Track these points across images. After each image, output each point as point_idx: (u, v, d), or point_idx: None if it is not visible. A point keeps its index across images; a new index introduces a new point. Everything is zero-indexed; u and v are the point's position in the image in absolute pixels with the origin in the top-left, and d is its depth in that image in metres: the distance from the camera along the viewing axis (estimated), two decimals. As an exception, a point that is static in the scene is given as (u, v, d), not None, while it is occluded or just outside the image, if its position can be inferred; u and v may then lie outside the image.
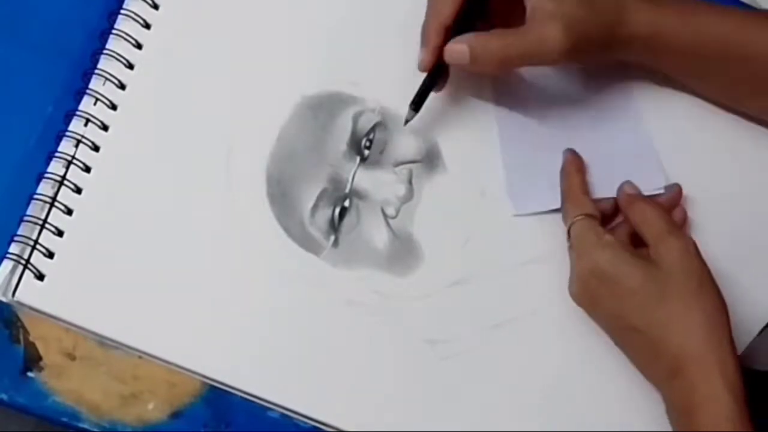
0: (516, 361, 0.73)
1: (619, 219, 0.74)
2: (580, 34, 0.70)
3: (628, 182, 0.74)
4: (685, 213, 0.75)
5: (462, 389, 0.72)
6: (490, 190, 0.76)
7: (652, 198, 0.74)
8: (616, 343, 0.71)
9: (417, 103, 0.74)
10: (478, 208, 0.76)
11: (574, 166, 0.74)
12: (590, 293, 0.70)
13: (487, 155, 0.76)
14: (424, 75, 0.74)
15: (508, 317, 0.73)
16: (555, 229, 0.74)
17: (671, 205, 0.75)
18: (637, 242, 0.72)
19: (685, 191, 0.75)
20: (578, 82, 0.78)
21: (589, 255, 0.70)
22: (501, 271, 0.74)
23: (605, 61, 0.75)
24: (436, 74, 0.74)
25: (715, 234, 0.75)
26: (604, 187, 0.75)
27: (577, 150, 0.75)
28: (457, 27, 0.72)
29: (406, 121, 0.74)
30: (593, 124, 0.78)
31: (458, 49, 0.71)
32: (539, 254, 0.75)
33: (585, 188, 0.74)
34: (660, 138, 0.78)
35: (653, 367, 0.69)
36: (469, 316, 0.73)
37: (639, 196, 0.73)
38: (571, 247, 0.72)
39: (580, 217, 0.71)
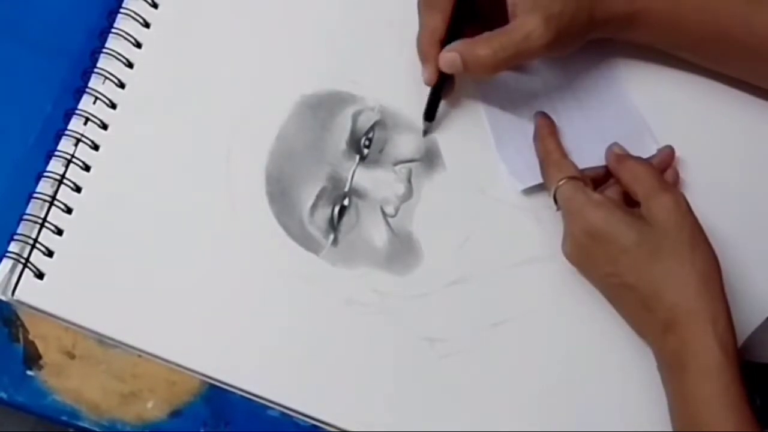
0: (514, 360, 0.73)
1: (608, 183, 0.74)
2: (560, 24, 0.71)
3: (616, 143, 0.74)
4: (677, 174, 0.75)
5: (461, 388, 0.72)
6: (490, 188, 0.76)
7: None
8: (610, 301, 0.72)
9: (429, 114, 0.75)
10: (477, 207, 0.76)
11: (547, 130, 0.75)
12: (584, 252, 0.71)
13: (487, 154, 0.76)
14: (422, 79, 0.75)
15: (506, 316, 0.73)
16: (554, 228, 0.74)
17: (663, 166, 0.75)
18: (627, 204, 0.72)
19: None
20: (561, 58, 0.78)
21: (581, 215, 0.70)
22: (500, 270, 0.74)
23: (586, 40, 0.75)
24: (442, 84, 0.75)
25: (716, 225, 0.75)
26: (595, 159, 0.75)
27: (566, 124, 0.76)
28: (448, 36, 0.73)
29: (425, 133, 0.76)
30: (579, 97, 0.78)
31: (450, 57, 0.72)
32: (538, 253, 0.75)
33: (562, 150, 0.74)
34: (647, 108, 0.78)
35: (647, 323, 0.69)
36: (468, 314, 0.73)
37: (628, 155, 0.74)
38: (559, 210, 0.72)
39: (563, 180, 0.72)
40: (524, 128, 0.76)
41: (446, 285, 0.74)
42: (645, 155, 0.75)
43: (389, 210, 0.75)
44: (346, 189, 0.74)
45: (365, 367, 0.71)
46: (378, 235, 0.74)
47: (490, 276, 0.74)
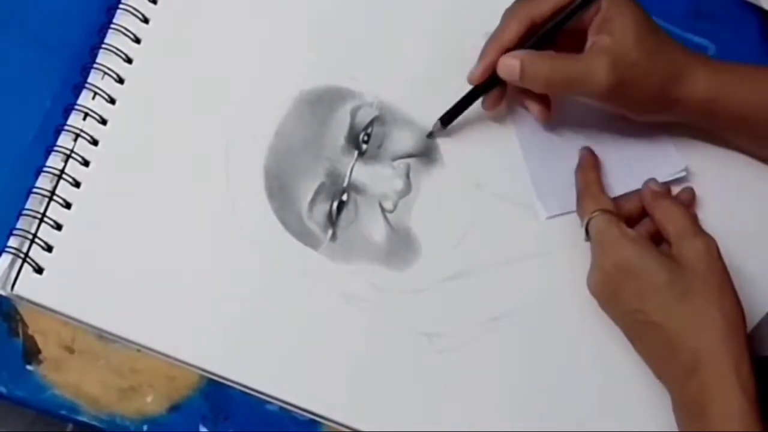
0: (513, 355, 0.73)
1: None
2: (627, 75, 0.71)
3: (653, 179, 0.75)
4: (695, 215, 0.76)
5: (459, 382, 0.72)
6: (488, 184, 0.76)
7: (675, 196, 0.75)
8: (631, 338, 0.71)
9: (446, 119, 0.75)
10: (475, 203, 0.76)
11: (590, 163, 0.75)
12: (612, 287, 0.70)
13: (485, 149, 0.77)
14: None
15: (504, 311, 0.74)
16: (552, 224, 0.75)
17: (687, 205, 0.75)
18: (656, 242, 0.72)
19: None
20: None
21: (614, 248, 0.70)
22: (498, 265, 0.74)
23: (652, 118, 0.75)
24: (478, 93, 0.74)
25: (717, 220, 0.76)
26: (623, 181, 0.75)
27: (594, 146, 0.76)
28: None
29: (431, 134, 0.75)
30: (608, 120, 0.77)
31: (510, 63, 0.72)
32: (536, 249, 0.75)
33: (601, 185, 0.74)
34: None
35: (669, 363, 0.69)
36: (467, 309, 0.73)
37: (664, 194, 0.74)
38: (590, 241, 0.72)
39: (598, 212, 0.72)
40: (556, 157, 0.76)
41: (444, 280, 0.74)
42: (673, 171, 0.76)
43: (387, 205, 0.75)
44: (345, 184, 0.75)
45: (364, 361, 0.71)
46: (376, 230, 0.74)
47: (489, 271, 0.74)
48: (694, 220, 0.73)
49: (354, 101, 0.76)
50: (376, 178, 0.75)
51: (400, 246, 0.74)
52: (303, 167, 0.74)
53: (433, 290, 0.74)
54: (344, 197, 0.74)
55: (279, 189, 0.73)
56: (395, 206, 0.75)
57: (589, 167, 0.75)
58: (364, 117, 0.76)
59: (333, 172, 0.74)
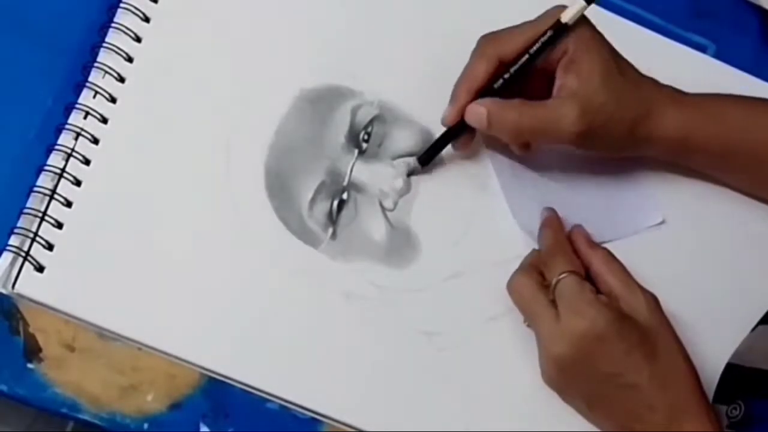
0: (512, 354, 0.73)
1: None
2: (596, 120, 0.71)
3: (578, 226, 0.74)
4: None
5: (459, 381, 0.72)
6: (487, 182, 0.76)
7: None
8: (601, 405, 0.70)
9: (425, 159, 0.75)
10: (475, 201, 0.76)
11: (557, 224, 0.74)
12: (585, 352, 0.68)
13: (484, 148, 0.77)
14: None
15: (504, 310, 0.73)
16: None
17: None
18: None
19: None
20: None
21: (590, 312, 0.68)
22: (498, 264, 0.74)
23: (624, 155, 0.75)
24: (455, 134, 0.74)
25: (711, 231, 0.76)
26: (599, 232, 0.75)
27: (570, 196, 0.75)
28: (488, 94, 0.72)
29: (410, 173, 0.75)
30: (581, 167, 0.77)
31: (477, 110, 0.72)
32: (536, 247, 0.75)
33: (570, 245, 0.73)
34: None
35: (648, 421, 0.68)
36: (466, 308, 0.74)
37: (594, 243, 0.73)
38: (552, 302, 0.70)
39: (565, 274, 0.70)
40: (536, 184, 0.76)
41: (444, 279, 0.74)
42: (651, 222, 0.76)
43: (388, 204, 0.75)
44: (345, 183, 0.75)
45: (364, 360, 0.72)
46: (376, 229, 0.74)
47: (488, 270, 0.74)
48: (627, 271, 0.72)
49: (354, 100, 0.76)
50: (377, 176, 0.75)
51: (400, 244, 0.74)
52: (303, 166, 0.74)
53: (433, 289, 0.74)
54: (344, 196, 0.74)
55: (279, 188, 0.74)
56: (395, 205, 0.75)
57: (557, 228, 0.73)
58: (364, 116, 0.76)
59: (333, 170, 0.75)
